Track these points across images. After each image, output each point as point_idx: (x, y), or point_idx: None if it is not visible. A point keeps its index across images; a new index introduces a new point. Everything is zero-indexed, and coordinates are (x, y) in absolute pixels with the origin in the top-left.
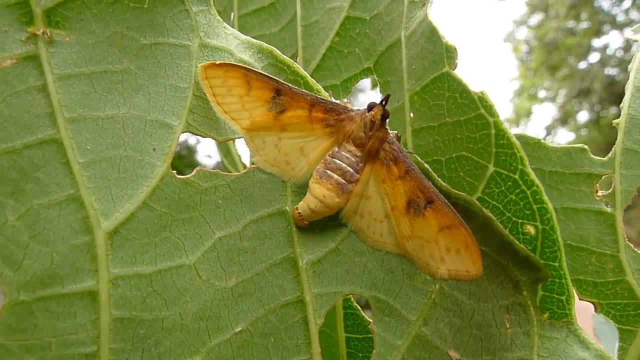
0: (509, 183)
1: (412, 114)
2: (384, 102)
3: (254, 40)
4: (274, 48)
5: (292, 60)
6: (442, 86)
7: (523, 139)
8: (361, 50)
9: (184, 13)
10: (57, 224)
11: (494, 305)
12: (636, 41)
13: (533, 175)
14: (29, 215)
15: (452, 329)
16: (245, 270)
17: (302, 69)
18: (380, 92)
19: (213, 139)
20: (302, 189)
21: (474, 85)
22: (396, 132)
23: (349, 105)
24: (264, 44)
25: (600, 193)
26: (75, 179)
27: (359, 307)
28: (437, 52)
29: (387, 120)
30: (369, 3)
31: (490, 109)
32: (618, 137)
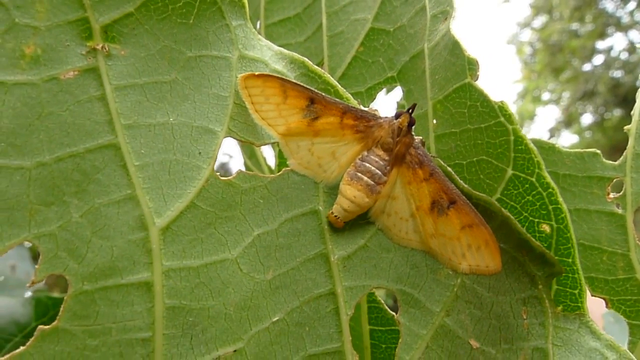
0: (527, 185)
1: (435, 121)
2: (410, 111)
3: (287, 52)
4: (306, 59)
5: (323, 70)
6: (464, 95)
7: (538, 144)
8: (385, 60)
9: (225, 27)
10: (116, 221)
11: (511, 298)
12: None
13: (549, 178)
14: (91, 213)
15: (473, 320)
16: (281, 265)
17: (332, 79)
18: (404, 99)
19: (252, 143)
20: (333, 190)
21: (493, 94)
22: (421, 137)
23: (377, 113)
24: (296, 55)
25: (611, 195)
26: (131, 180)
27: (382, 301)
28: (459, 64)
29: (413, 127)
30: (392, 15)
31: (509, 117)
32: (629, 143)
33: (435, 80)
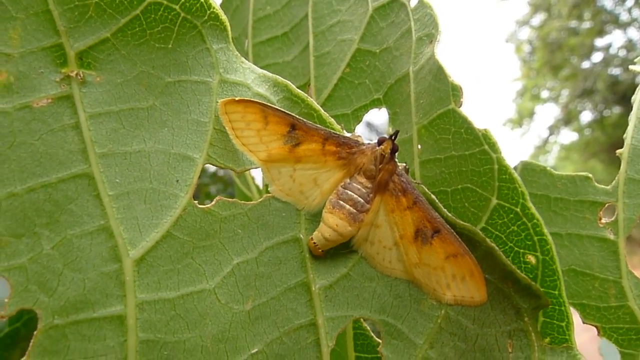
0: (511, 215)
1: (419, 146)
2: (393, 137)
3: (270, 74)
4: (289, 82)
5: (306, 94)
6: (448, 121)
7: (530, 166)
8: (371, 81)
9: (205, 51)
10: (89, 253)
11: (497, 331)
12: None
13: (534, 209)
14: (63, 245)
15: (457, 353)
16: (261, 295)
17: (315, 103)
18: (390, 122)
19: (232, 169)
20: (315, 217)
21: (477, 121)
22: (405, 164)
23: (360, 139)
24: (280, 78)
25: (603, 220)
26: (105, 211)
27: (368, 328)
28: (443, 89)
29: (396, 154)
30: (378, 37)
31: (493, 145)
32: (621, 167)
33: (420, 104)
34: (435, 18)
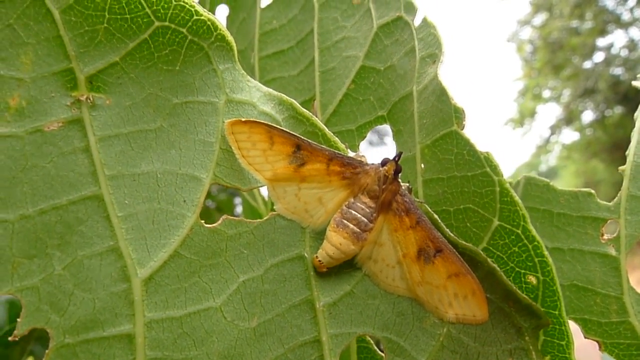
0: (512, 237)
1: (423, 165)
2: (396, 159)
3: (275, 93)
4: (294, 101)
5: (310, 113)
6: (451, 142)
7: (533, 181)
8: (375, 98)
9: (212, 72)
10: (99, 273)
11: (497, 349)
12: None
13: (534, 231)
14: (73, 265)
15: None
16: (266, 312)
17: (320, 122)
18: (394, 139)
19: (238, 189)
20: (319, 235)
21: (479, 143)
22: (408, 184)
23: (364, 159)
24: (285, 97)
25: (605, 236)
26: (114, 232)
27: (372, 341)
28: (446, 111)
29: (400, 175)
30: (383, 54)
31: (495, 168)
32: (623, 184)
33: (423, 124)
34: (438, 38)
